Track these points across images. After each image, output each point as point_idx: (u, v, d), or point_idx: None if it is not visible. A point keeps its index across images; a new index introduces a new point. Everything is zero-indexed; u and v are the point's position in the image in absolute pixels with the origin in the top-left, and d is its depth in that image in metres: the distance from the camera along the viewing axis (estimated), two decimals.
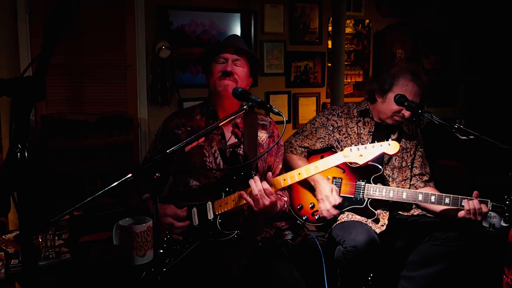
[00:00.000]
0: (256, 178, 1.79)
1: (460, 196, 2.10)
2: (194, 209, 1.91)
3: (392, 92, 2.27)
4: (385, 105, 2.30)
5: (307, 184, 2.36)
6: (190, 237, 1.87)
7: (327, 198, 2.22)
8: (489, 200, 2.07)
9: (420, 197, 2.18)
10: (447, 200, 2.12)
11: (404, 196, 2.20)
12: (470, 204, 2.05)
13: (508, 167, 2.06)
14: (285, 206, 2.02)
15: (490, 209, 2.06)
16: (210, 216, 1.88)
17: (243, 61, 1.98)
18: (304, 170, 1.91)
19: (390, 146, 1.96)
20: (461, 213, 2.08)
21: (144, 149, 3.67)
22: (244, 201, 1.81)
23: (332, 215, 2.23)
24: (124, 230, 1.81)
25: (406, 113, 2.25)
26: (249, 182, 1.78)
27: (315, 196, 2.33)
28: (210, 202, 1.89)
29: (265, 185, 1.77)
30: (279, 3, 4.18)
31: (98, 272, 1.88)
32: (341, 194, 2.29)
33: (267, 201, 1.77)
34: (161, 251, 1.84)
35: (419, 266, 2.27)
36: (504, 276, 2.19)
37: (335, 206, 2.22)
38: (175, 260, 1.84)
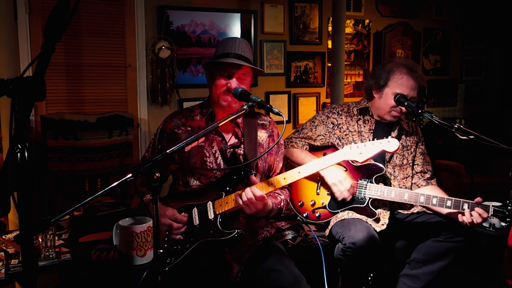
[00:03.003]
0: (247, 190, 1.80)
1: (462, 200, 2.09)
2: (195, 209, 1.91)
3: (388, 87, 2.28)
4: (382, 100, 2.31)
5: (309, 181, 2.36)
6: (191, 237, 1.87)
7: (340, 182, 2.23)
8: (491, 205, 2.06)
9: (422, 199, 2.17)
10: (448, 203, 2.11)
11: (405, 197, 2.19)
12: (466, 218, 2.04)
13: (508, 167, 2.05)
14: (282, 204, 2.01)
15: (492, 213, 2.05)
16: (211, 215, 1.88)
17: (248, 72, 1.95)
18: (304, 169, 1.91)
19: (390, 144, 1.97)
20: (461, 218, 2.08)
21: (144, 149, 3.67)
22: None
23: (349, 195, 2.24)
24: (124, 230, 1.81)
25: (404, 108, 2.25)
26: (236, 196, 1.81)
27: (316, 193, 2.34)
28: (210, 202, 1.89)
29: (256, 192, 1.79)
30: (279, 3, 4.18)
31: (98, 272, 1.87)
32: None
33: (259, 205, 1.81)
34: (161, 251, 1.84)
35: (422, 263, 2.27)
36: (505, 277, 2.19)
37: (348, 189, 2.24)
38: (176, 260, 1.84)
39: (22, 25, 3.22)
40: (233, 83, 1.89)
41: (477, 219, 2.03)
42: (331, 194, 2.31)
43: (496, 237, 2.53)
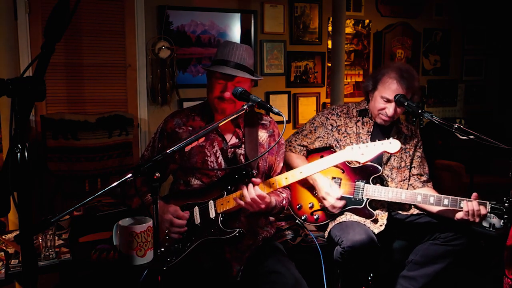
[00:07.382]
0: (250, 186, 1.81)
1: (459, 198, 2.10)
2: (196, 207, 1.91)
3: (377, 91, 2.29)
4: (372, 103, 2.32)
5: (306, 184, 2.36)
6: (192, 236, 1.87)
7: (328, 194, 2.22)
8: (488, 202, 2.06)
9: (419, 198, 2.17)
10: (446, 202, 2.12)
11: (403, 197, 2.20)
12: (469, 205, 2.04)
13: (508, 167, 2.05)
14: (283, 202, 2.03)
15: (489, 211, 2.05)
16: (212, 214, 1.88)
17: (244, 80, 1.92)
18: (306, 169, 1.92)
19: (391, 145, 1.97)
20: (459, 214, 2.07)
21: (144, 149, 3.67)
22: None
23: (340, 208, 2.22)
24: (124, 230, 1.81)
25: (389, 111, 2.25)
26: (242, 191, 1.82)
27: (314, 195, 2.34)
28: (211, 201, 1.90)
29: (258, 191, 1.80)
30: (279, 3, 4.18)
31: (98, 272, 1.88)
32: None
33: (262, 205, 1.82)
34: (163, 249, 1.84)
35: (420, 265, 2.27)
36: (505, 277, 2.19)
37: (339, 199, 2.21)
38: (176, 259, 1.84)
39: (22, 25, 3.22)
40: (227, 92, 1.88)
41: (471, 208, 2.03)
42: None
43: (496, 237, 2.53)
